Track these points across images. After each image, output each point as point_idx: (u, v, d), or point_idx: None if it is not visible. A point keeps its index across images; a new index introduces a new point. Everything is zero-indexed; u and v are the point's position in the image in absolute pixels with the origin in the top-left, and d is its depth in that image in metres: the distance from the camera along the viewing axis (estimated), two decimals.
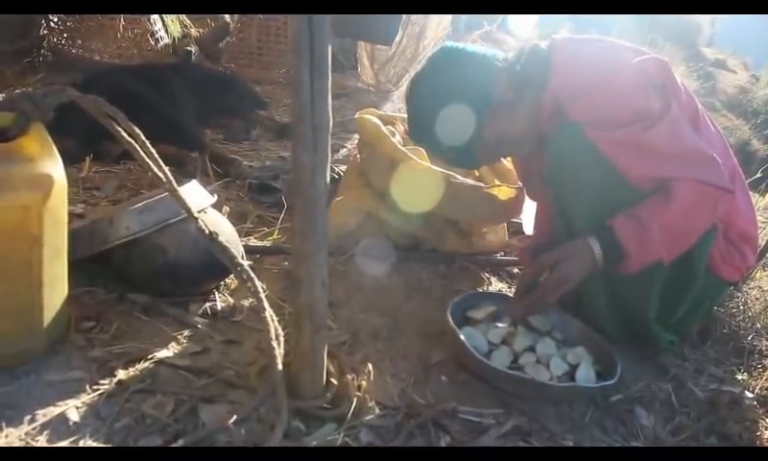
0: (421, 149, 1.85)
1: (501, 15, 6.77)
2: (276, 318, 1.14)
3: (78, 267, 1.32)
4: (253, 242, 1.80)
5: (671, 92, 1.44)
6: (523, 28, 8.12)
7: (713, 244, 1.49)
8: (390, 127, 1.94)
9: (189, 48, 3.78)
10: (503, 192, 1.85)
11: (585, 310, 1.54)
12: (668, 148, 1.38)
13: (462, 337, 1.36)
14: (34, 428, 1.02)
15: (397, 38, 3.96)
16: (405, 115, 1.64)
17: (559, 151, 1.45)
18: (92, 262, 1.40)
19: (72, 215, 1.39)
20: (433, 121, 1.48)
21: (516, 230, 2.13)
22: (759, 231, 1.67)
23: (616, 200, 1.40)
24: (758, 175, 2.67)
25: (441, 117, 1.47)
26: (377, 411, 1.18)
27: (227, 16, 4.57)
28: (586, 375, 1.37)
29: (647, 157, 1.38)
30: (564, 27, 8.93)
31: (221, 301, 1.47)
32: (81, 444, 1.01)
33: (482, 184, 1.85)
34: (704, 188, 1.36)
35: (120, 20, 3.79)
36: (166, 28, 4.01)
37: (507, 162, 2.04)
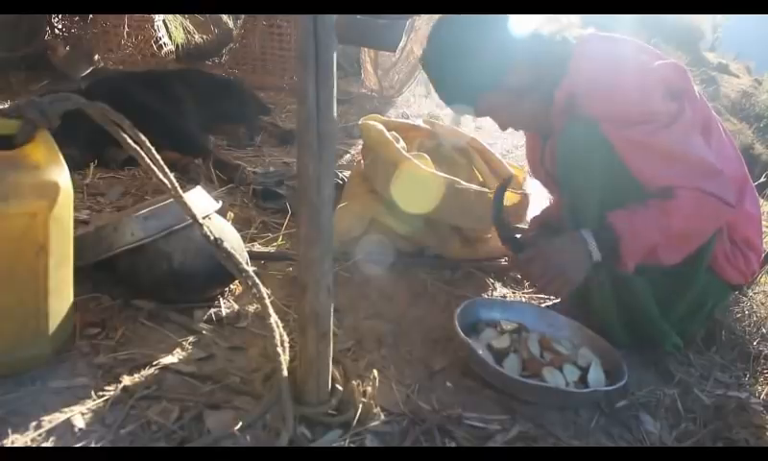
0: (425, 155, 1.86)
1: None
2: (281, 324, 1.14)
3: (83, 274, 1.33)
4: (258, 248, 1.80)
5: (688, 99, 1.44)
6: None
7: (717, 244, 1.49)
8: (393, 132, 1.94)
9: None
10: (507, 197, 1.85)
11: (590, 309, 1.54)
12: (676, 153, 1.39)
13: (480, 352, 1.34)
14: (39, 435, 1.02)
15: (401, 44, 3.96)
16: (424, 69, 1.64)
17: (571, 145, 1.46)
18: (97, 269, 1.40)
19: (77, 221, 1.39)
20: (444, 68, 1.52)
21: None
22: (766, 238, 1.66)
23: (626, 197, 1.41)
24: (762, 179, 2.65)
25: (451, 68, 1.51)
26: (383, 417, 1.17)
27: (230, 23, 4.58)
28: (597, 376, 1.37)
29: (655, 160, 1.39)
30: None
31: (226, 307, 1.47)
32: None
33: (486, 190, 1.85)
34: (706, 199, 1.36)
35: (124, 27, 3.80)
36: (170, 34, 4.02)
37: (511, 168, 2.04)
